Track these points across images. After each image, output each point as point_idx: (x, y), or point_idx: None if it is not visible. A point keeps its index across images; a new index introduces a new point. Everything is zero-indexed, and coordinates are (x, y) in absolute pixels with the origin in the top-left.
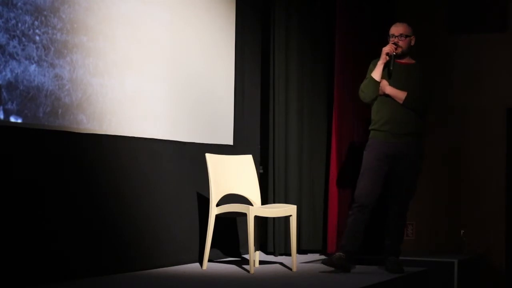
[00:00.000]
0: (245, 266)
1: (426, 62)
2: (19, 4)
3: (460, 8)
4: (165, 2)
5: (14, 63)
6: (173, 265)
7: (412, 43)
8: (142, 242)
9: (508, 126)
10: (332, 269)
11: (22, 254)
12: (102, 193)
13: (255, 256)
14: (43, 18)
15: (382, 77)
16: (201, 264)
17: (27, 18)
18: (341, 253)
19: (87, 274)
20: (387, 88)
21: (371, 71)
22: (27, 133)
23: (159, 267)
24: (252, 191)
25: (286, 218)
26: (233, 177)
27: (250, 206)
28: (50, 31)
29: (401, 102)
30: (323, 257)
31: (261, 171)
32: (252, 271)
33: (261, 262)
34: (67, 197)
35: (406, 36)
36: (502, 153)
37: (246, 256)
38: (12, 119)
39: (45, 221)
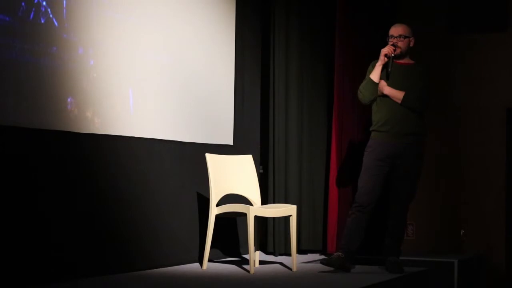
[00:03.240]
0: (245, 266)
1: (426, 62)
2: None
3: (460, 8)
4: (166, 2)
5: (14, 63)
6: (173, 265)
7: (411, 44)
8: (142, 242)
9: (508, 126)
10: (331, 269)
11: (22, 254)
12: (102, 193)
13: (255, 256)
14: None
15: (381, 78)
16: (201, 264)
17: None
18: (339, 253)
19: (87, 274)
20: (385, 88)
21: (370, 72)
22: (27, 133)
23: (159, 267)
24: (252, 191)
25: (286, 218)
26: (233, 177)
27: (250, 206)
28: (50, 29)
29: (399, 102)
30: (323, 257)
31: (261, 171)
32: (252, 271)
33: (261, 262)
34: (67, 197)
35: (405, 37)
36: (502, 153)
37: (246, 256)
38: (13, 120)
39: (45, 221)
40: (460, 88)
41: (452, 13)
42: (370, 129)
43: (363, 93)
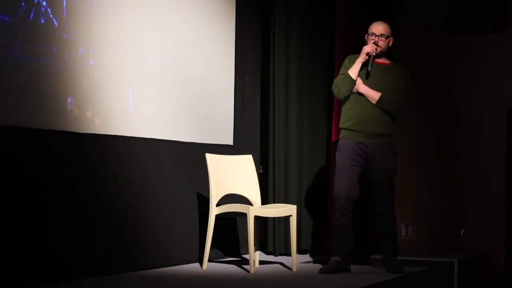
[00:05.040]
0: (245, 266)
1: (426, 62)
2: None
3: (460, 8)
4: (166, 2)
5: (14, 63)
6: (173, 265)
7: (390, 44)
8: (142, 242)
9: (508, 126)
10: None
11: (22, 254)
12: (102, 193)
13: (255, 256)
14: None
15: (359, 75)
16: (201, 264)
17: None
18: (336, 258)
19: (87, 274)
20: (361, 86)
21: (346, 67)
22: (27, 133)
23: (159, 267)
24: (252, 191)
25: (286, 218)
26: (233, 177)
27: (250, 206)
28: (50, 29)
29: (374, 102)
30: (322, 257)
31: (261, 171)
32: (252, 271)
33: (261, 262)
34: (67, 197)
35: (387, 37)
36: (502, 153)
37: (246, 256)
38: (13, 120)
39: (45, 221)
40: (460, 88)
41: (452, 13)
42: (340, 126)
43: (339, 88)
